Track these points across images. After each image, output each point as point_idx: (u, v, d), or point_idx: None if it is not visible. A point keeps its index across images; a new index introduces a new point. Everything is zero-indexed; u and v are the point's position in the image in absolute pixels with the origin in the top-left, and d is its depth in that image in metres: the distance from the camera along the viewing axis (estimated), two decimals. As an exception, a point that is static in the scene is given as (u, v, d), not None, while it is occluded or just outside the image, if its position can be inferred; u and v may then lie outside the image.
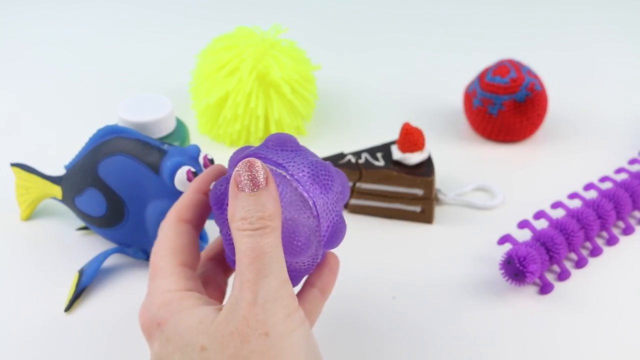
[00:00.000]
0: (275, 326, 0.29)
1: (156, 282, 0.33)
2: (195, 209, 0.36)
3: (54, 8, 0.98)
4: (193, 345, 0.29)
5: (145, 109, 0.54)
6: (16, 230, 0.54)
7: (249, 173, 0.30)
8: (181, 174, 0.45)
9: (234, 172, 0.31)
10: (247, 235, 0.30)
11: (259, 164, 0.30)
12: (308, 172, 0.33)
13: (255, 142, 0.64)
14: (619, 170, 0.60)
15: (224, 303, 0.32)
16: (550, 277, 0.49)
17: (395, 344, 0.44)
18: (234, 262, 0.34)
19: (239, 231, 0.30)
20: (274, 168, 0.33)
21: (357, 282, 0.48)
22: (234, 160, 0.35)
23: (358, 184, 0.55)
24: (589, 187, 0.58)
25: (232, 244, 0.32)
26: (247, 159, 0.31)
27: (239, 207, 0.30)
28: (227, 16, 0.94)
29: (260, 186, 0.30)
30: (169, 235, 0.35)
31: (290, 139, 0.35)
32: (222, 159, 0.54)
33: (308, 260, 0.34)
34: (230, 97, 0.62)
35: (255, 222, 0.30)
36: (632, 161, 0.62)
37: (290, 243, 0.32)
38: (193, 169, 0.45)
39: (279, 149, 0.34)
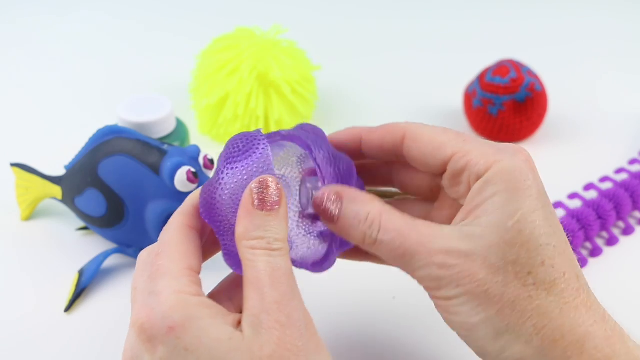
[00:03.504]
0: (312, 355, 0.28)
1: (162, 282, 0.29)
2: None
3: (53, 8, 0.98)
4: None
5: (145, 109, 0.54)
6: (16, 230, 0.54)
7: (265, 191, 0.30)
8: (181, 174, 0.45)
9: (248, 188, 0.30)
10: (265, 254, 0.29)
11: (274, 183, 0.30)
12: (326, 157, 0.33)
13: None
14: (619, 170, 0.60)
15: None
16: (550, 277, 0.49)
17: (395, 344, 0.44)
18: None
19: (252, 250, 0.29)
20: (300, 148, 0.33)
21: (357, 282, 0.48)
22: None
23: (358, 184, 0.55)
24: (589, 187, 0.58)
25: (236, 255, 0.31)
26: (262, 177, 0.30)
27: (253, 225, 0.29)
28: (227, 16, 0.94)
29: (276, 206, 0.30)
30: (176, 237, 0.32)
31: (321, 132, 0.35)
32: (222, 159, 0.55)
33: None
34: (230, 97, 0.62)
35: (273, 242, 0.29)
36: (632, 161, 0.62)
37: None
38: (193, 169, 0.45)
39: (311, 133, 0.34)
